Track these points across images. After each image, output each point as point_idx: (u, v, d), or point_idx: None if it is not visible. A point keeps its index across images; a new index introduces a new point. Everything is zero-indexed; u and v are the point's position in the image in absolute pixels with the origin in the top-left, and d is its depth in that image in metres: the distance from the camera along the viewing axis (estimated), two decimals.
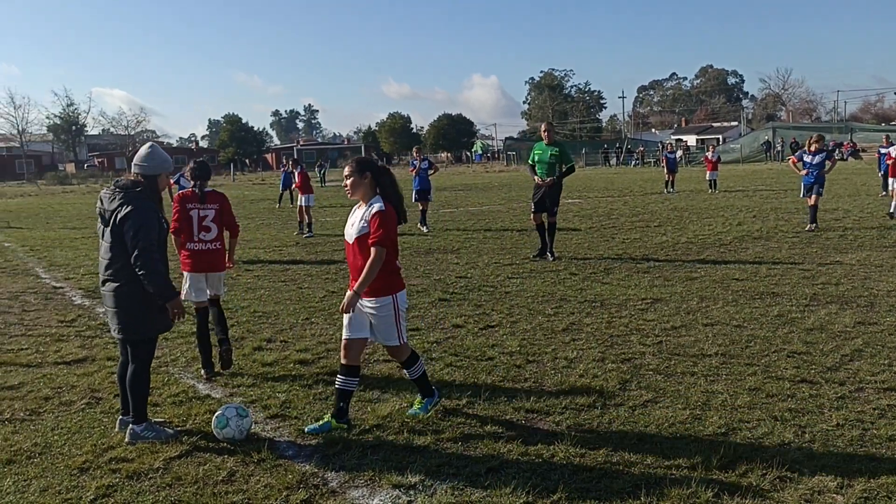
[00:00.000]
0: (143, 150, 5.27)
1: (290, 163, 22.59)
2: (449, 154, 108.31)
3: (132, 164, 5.24)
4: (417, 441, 4.94)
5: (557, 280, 10.53)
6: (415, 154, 19.27)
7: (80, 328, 8.49)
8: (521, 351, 6.95)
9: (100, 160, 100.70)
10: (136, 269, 4.92)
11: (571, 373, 6.25)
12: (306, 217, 18.16)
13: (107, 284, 5.06)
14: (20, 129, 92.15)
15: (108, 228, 5.02)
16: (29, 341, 8.05)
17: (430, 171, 18.65)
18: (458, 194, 32.40)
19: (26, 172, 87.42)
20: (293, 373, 6.54)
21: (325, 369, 6.60)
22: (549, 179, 12.24)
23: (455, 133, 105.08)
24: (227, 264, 6.79)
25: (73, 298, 10.50)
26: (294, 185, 19.34)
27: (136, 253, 4.90)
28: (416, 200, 18.25)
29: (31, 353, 7.53)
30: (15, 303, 10.33)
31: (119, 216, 4.97)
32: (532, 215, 12.77)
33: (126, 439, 5.09)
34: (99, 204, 5.14)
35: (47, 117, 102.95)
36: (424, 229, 17.69)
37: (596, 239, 13.88)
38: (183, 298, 6.48)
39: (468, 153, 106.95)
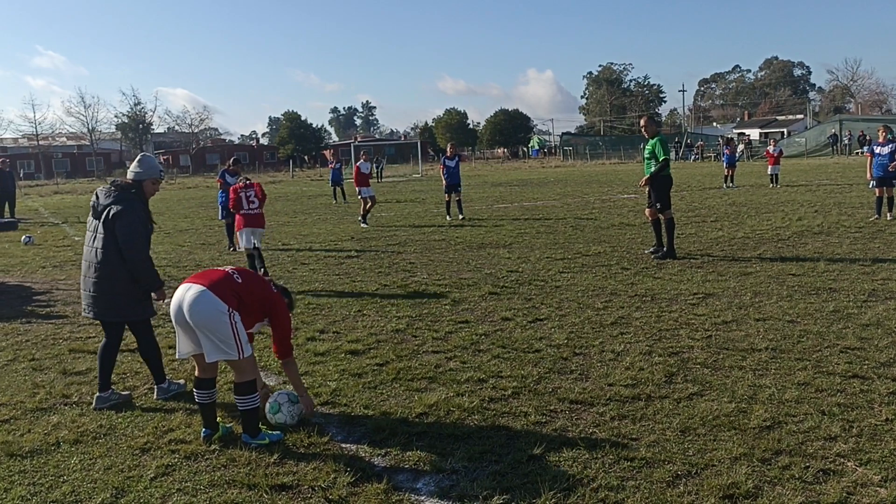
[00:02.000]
0: (137, 158, 5.95)
1: (333, 157, 24.21)
2: (505, 149, 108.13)
3: (128, 170, 5.94)
4: (462, 429, 5.06)
5: (609, 275, 10.52)
6: (449, 150, 20.20)
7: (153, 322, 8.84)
8: (569, 343, 7.02)
9: (165, 157, 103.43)
10: (127, 261, 5.58)
11: (617, 365, 6.29)
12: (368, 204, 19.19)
13: (96, 272, 5.68)
14: (90, 127, 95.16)
15: (101, 222, 5.67)
16: (97, 330, 8.42)
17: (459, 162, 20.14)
18: (513, 190, 32.40)
19: (96, 170, 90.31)
20: (344, 362, 6.73)
21: (374, 359, 6.77)
22: (643, 179, 12.07)
23: (511, 128, 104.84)
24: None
25: None
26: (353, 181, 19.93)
27: (126, 246, 5.55)
28: (446, 194, 19.88)
29: (98, 341, 7.89)
30: None
31: (112, 212, 5.61)
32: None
33: (156, 396, 5.92)
34: (94, 199, 5.78)
35: (115, 116, 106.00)
36: (460, 217, 19.50)
37: (649, 234, 13.76)
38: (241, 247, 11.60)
39: (524, 148, 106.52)
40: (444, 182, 20.05)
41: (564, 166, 63.74)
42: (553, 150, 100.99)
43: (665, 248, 11.90)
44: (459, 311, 8.64)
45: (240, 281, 4.96)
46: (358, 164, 20.13)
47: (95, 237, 5.74)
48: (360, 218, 19.53)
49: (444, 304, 9.01)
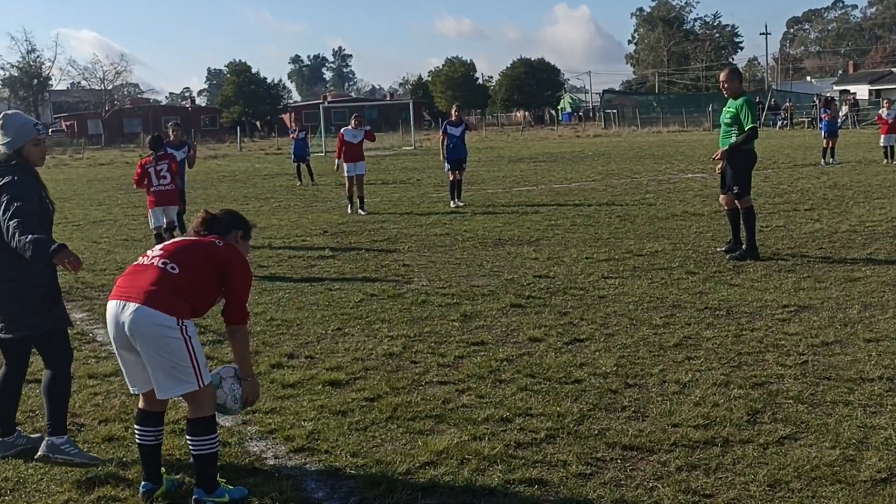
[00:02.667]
0: None
1: (296, 124, 24.51)
2: (527, 113, 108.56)
3: None
4: (481, 483, 5.20)
5: (670, 280, 10.66)
6: (454, 114, 20.67)
7: None
8: (618, 372, 7.15)
9: (68, 123, 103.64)
10: (13, 240, 5.46)
11: (684, 400, 6.42)
12: (357, 191, 19.57)
13: None
14: None
15: None
16: None
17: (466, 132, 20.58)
18: (539, 167, 32.60)
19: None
20: (322, 396, 6.86)
21: (362, 392, 6.90)
22: (718, 152, 12.14)
23: (535, 84, 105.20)
24: None
25: None
26: (336, 154, 20.05)
27: (11, 223, 5.47)
28: (449, 171, 20.14)
29: None
30: None
31: None
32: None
33: (39, 453, 5.62)
34: None
35: (1, 68, 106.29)
36: (460, 204, 19.85)
37: (723, 226, 13.89)
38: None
39: (552, 111, 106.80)
40: (443, 156, 20.31)
41: (606, 135, 64.02)
42: (591, 114, 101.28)
43: (744, 246, 12.04)
44: (472, 329, 8.77)
45: (176, 271, 5.04)
46: (343, 130, 20.37)
47: None
48: (351, 205, 19.79)
49: (453, 320, 9.15)
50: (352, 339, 8.60)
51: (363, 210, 19.46)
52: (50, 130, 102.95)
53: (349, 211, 19.62)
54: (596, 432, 5.89)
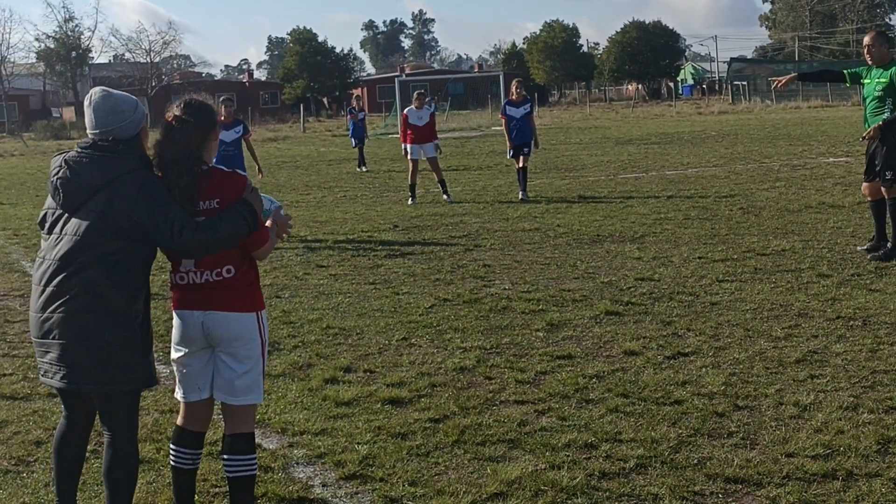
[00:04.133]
0: (97, 97, 5.21)
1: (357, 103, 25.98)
2: (640, 85, 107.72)
3: (97, 123, 5.10)
4: None
5: (797, 285, 10.57)
6: (514, 92, 20.56)
7: None
8: (727, 392, 7.14)
9: None
10: (200, 234, 4.89)
11: (803, 426, 6.39)
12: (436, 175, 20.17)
13: (66, 304, 4.86)
14: None
15: (83, 214, 4.91)
16: (14, 364, 8.92)
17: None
18: (651, 150, 32.41)
19: (7, 121, 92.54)
20: (380, 416, 6.99)
21: (427, 412, 7.01)
22: (869, 129, 11.95)
23: (649, 52, 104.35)
24: None
25: None
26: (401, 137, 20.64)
27: (172, 236, 4.85)
28: (512, 157, 20.43)
29: (17, 381, 8.37)
30: None
31: (119, 194, 4.88)
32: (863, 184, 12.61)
33: None
34: (60, 173, 5.02)
35: (37, 39, 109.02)
36: (529, 195, 20.05)
37: (867, 220, 13.67)
38: None
39: (670, 84, 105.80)
40: (508, 141, 20.38)
41: (733, 111, 63.27)
42: (716, 87, 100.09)
43: (890, 244, 11.86)
44: (559, 341, 8.83)
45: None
46: (406, 111, 20.58)
47: (59, 243, 4.95)
48: (413, 197, 20.32)
49: (536, 330, 9.22)
50: (418, 351, 8.73)
51: (447, 196, 19.89)
52: None
53: (410, 203, 19.95)
54: (695, 462, 5.90)
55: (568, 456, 6.07)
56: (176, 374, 5.25)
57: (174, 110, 5.16)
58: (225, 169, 5.38)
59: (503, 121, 20.57)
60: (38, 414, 7.45)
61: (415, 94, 20.86)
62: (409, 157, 20.20)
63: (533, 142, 20.22)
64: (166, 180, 4.98)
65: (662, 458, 5.98)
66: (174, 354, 5.18)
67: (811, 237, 13.51)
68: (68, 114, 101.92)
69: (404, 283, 11.80)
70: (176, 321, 5.15)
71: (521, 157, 19.97)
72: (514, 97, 20.40)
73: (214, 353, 5.12)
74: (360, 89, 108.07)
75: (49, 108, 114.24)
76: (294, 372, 8.21)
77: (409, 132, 20.24)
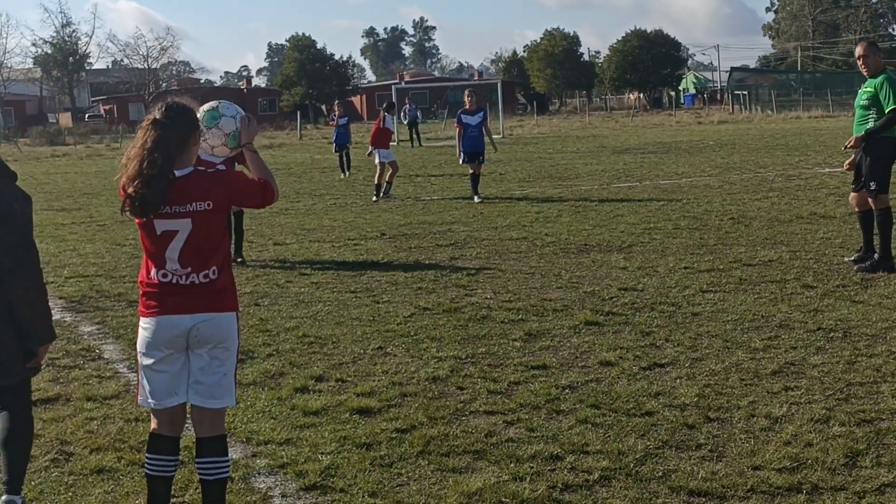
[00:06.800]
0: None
1: (338, 109, 30.06)
2: (641, 94, 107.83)
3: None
4: None
5: (781, 296, 10.54)
6: (467, 101, 21.64)
7: (54, 354, 9.26)
8: (700, 403, 7.12)
9: (107, 108, 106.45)
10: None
11: (772, 438, 6.37)
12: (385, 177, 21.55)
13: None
14: None
15: None
16: None
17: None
18: (646, 159, 32.39)
19: (2, 126, 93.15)
20: (347, 426, 6.97)
21: (394, 422, 6.99)
22: (851, 139, 11.97)
23: (651, 61, 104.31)
24: None
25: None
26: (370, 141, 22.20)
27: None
28: (464, 163, 21.49)
29: None
30: None
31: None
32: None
33: None
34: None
35: (33, 44, 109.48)
36: (476, 199, 20.94)
37: (856, 231, 13.63)
38: None
39: (671, 93, 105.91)
40: (458, 149, 21.43)
41: (733, 121, 63.32)
42: (718, 96, 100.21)
43: (877, 256, 11.83)
44: (535, 351, 8.81)
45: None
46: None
47: None
48: (379, 193, 22.19)
49: (514, 340, 9.20)
50: (392, 361, 8.70)
51: (389, 195, 22.17)
52: (87, 116, 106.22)
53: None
54: (660, 474, 5.88)
55: (532, 468, 6.06)
56: (144, 381, 5.20)
57: (154, 113, 5.15)
58: (207, 170, 5.41)
59: (458, 129, 21.39)
60: None
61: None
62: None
63: (490, 148, 21.57)
64: (132, 185, 4.99)
65: (627, 470, 5.97)
66: (145, 361, 5.15)
67: (799, 248, 13.49)
68: (65, 119, 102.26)
69: (386, 292, 11.78)
70: (150, 327, 5.12)
71: (476, 164, 21.17)
72: (467, 106, 21.38)
73: (191, 357, 5.12)
74: (359, 96, 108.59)
75: (46, 113, 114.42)
76: (265, 381, 8.19)
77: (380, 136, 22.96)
